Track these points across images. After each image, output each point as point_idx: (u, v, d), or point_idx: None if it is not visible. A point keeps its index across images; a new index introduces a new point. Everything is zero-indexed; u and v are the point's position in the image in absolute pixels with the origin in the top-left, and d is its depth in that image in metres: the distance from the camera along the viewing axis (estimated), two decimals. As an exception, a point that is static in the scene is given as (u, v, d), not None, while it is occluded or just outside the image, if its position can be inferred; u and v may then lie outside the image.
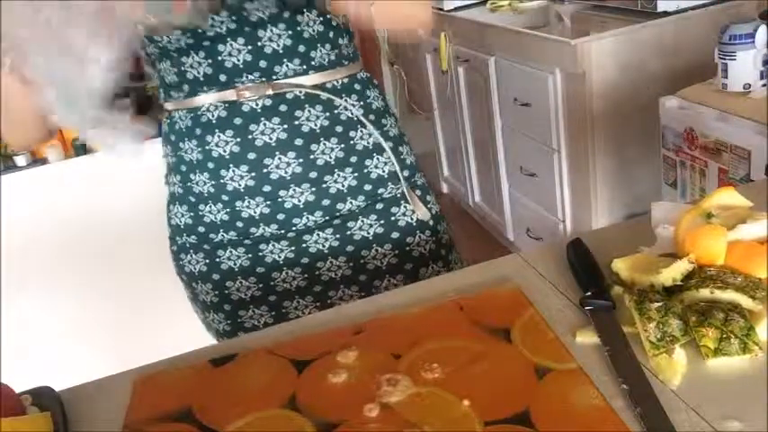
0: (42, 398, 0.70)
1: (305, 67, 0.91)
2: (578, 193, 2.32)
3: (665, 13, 2.07)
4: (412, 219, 1.01)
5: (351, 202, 0.96)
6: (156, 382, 0.73)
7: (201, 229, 0.97)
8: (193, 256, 1.00)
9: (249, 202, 0.93)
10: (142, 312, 2.02)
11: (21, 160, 1.91)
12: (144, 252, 2.00)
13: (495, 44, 2.55)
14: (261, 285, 0.99)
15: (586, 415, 0.58)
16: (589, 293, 0.73)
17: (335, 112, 0.93)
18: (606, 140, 2.16)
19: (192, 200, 0.96)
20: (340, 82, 0.95)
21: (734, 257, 0.70)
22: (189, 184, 0.95)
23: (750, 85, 1.69)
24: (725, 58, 1.70)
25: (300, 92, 0.91)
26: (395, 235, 1.00)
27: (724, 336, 0.62)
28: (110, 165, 1.93)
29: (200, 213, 0.96)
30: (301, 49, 0.91)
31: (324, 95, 0.92)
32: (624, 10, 2.21)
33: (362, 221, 0.98)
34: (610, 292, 0.73)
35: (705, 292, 0.67)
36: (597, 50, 2.03)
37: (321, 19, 0.92)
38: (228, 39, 0.88)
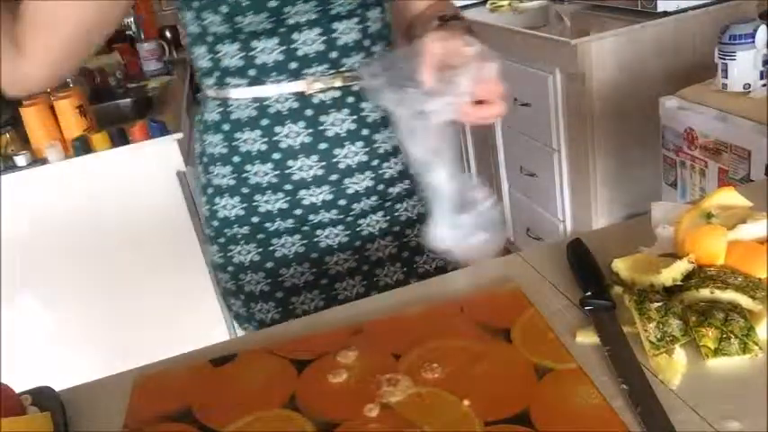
0: (42, 398, 0.70)
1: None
2: (578, 193, 2.32)
3: (665, 13, 2.07)
4: None
5: (399, 186, 1.02)
6: (156, 382, 0.73)
7: (255, 219, 0.98)
8: (244, 246, 1.00)
9: (314, 190, 0.96)
10: (142, 312, 2.02)
11: (21, 160, 1.90)
12: (144, 252, 2.00)
13: (494, 44, 2.54)
14: (314, 270, 1.01)
15: (586, 415, 0.58)
16: (589, 293, 0.73)
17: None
18: (606, 140, 2.16)
19: (247, 191, 0.97)
20: None
21: (734, 257, 0.70)
22: (244, 174, 0.96)
23: (750, 85, 1.69)
24: (725, 58, 1.70)
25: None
26: None
27: (724, 336, 0.62)
28: (109, 165, 1.94)
29: (255, 204, 0.97)
30: (366, 43, 0.95)
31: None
32: (624, 10, 2.21)
33: (407, 203, 1.04)
34: (610, 292, 0.73)
35: (705, 292, 0.67)
36: (597, 50, 2.03)
37: (382, 16, 0.97)
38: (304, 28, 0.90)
